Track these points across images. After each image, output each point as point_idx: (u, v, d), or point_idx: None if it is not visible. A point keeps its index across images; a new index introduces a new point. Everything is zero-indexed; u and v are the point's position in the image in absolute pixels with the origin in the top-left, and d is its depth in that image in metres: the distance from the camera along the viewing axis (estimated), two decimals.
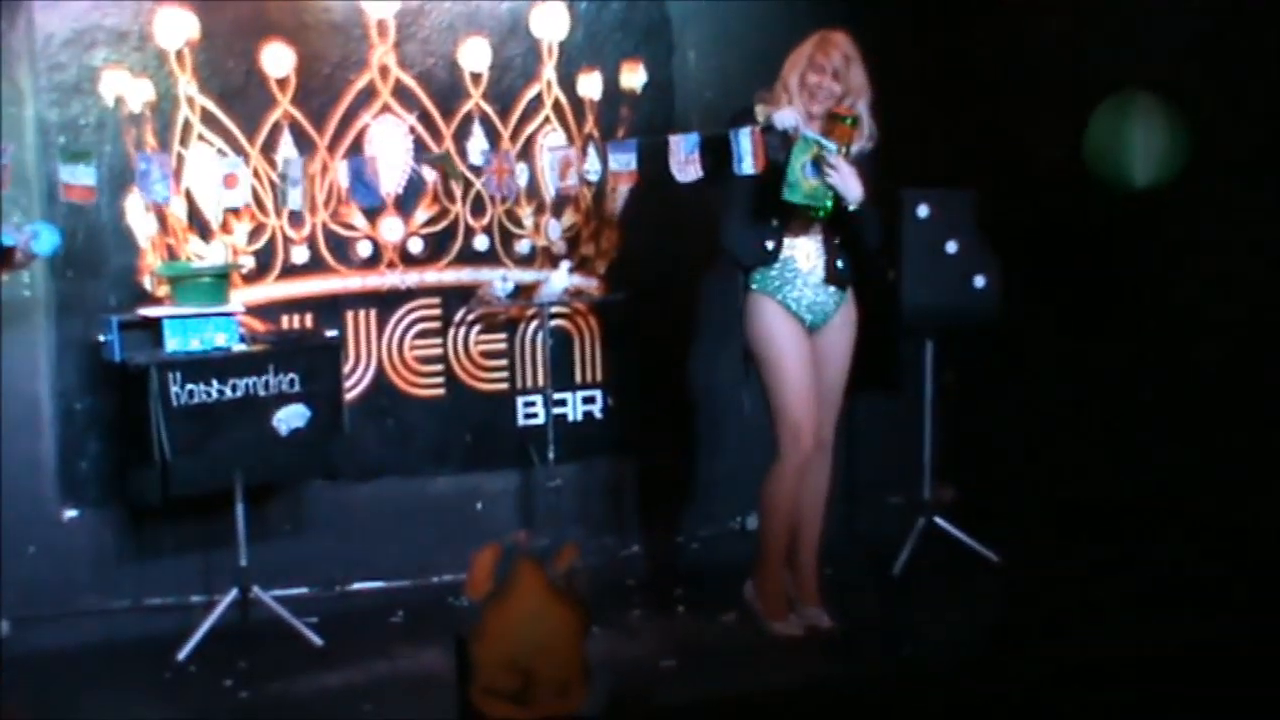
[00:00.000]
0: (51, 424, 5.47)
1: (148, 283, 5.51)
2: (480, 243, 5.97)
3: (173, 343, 5.20)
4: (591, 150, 5.64)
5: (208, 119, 5.54)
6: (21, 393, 5.38)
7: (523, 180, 5.85)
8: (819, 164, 5.01)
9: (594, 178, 5.91)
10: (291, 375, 5.26)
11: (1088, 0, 6.16)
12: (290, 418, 5.27)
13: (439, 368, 5.98)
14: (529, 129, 5.98)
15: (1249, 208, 5.66)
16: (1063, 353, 6.35)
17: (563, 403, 6.15)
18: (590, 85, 6.04)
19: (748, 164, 4.99)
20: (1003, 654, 5.08)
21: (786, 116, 5.05)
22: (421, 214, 5.87)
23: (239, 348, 5.30)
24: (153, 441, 5.05)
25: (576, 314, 6.18)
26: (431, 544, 5.91)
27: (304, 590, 5.76)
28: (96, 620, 5.50)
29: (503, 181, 5.52)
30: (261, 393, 5.21)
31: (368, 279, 5.84)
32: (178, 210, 5.51)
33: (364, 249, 5.82)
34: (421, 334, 5.94)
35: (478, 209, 5.93)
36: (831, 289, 5.24)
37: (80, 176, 4.78)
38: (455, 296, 5.96)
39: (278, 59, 5.60)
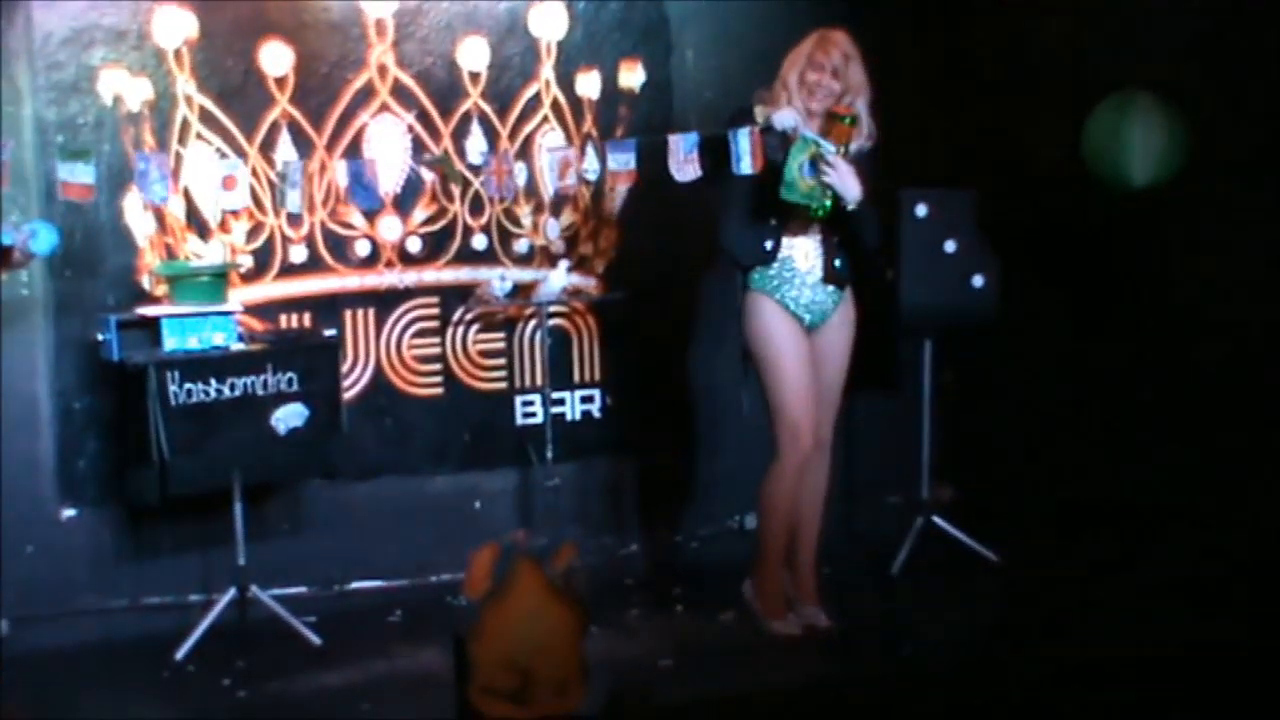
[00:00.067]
0: (50, 423, 5.47)
1: (146, 282, 5.51)
2: (478, 242, 5.96)
3: (171, 342, 5.20)
4: (590, 149, 5.66)
5: (206, 118, 5.54)
6: (20, 392, 5.38)
7: (521, 179, 5.86)
8: (817, 163, 5.01)
9: (592, 177, 5.93)
10: (290, 374, 5.26)
11: (1088, 0, 6.15)
12: (288, 417, 5.27)
13: (437, 367, 5.98)
14: (527, 128, 5.98)
15: (1249, 208, 5.66)
16: (1062, 352, 6.35)
17: (561, 402, 6.15)
18: (589, 85, 6.04)
19: (746, 164, 4.99)
20: (1002, 653, 5.08)
21: (785, 117, 5.05)
22: (420, 213, 5.87)
23: (237, 347, 5.30)
24: (151, 441, 5.05)
25: (575, 313, 6.18)
26: (430, 543, 5.91)
27: (302, 589, 5.76)
28: (95, 619, 5.50)
29: (502, 183, 5.52)
30: (260, 392, 5.21)
31: (366, 278, 5.84)
32: (176, 209, 5.51)
33: (362, 248, 5.82)
34: (420, 333, 5.94)
35: (476, 208, 5.93)
36: (830, 288, 5.24)
37: (79, 175, 4.77)
38: (454, 296, 5.96)
39: (276, 58, 5.60)
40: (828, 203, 5.05)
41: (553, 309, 6.01)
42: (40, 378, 5.44)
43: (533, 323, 6.05)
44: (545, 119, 6.01)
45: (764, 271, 5.19)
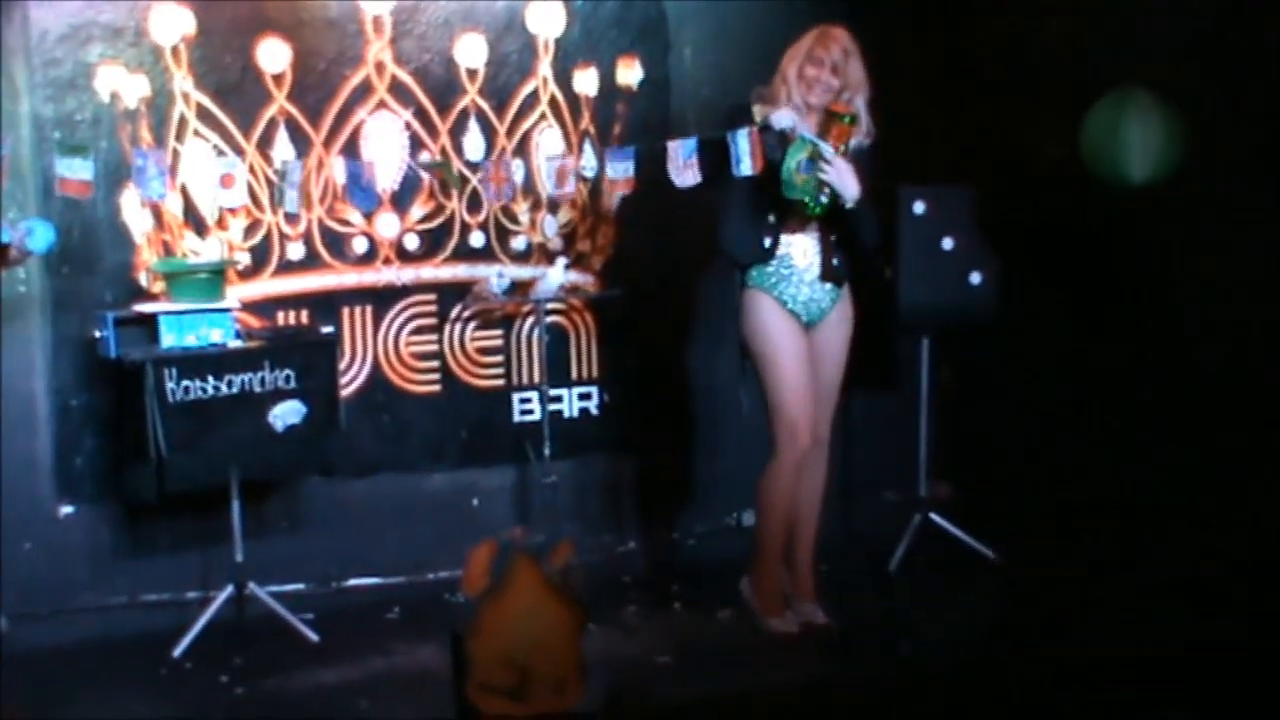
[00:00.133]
0: (47, 421, 5.46)
1: (143, 279, 5.51)
2: (476, 239, 5.96)
3: (168, 339, 5.20)
4: (587, 146, 5.64)
5: (203, 115, 5.53)
6: (17, 389, 5.37)
7: (519, 176, 5.86)
8: (815, 161, 5.01)
9: (590, 174, 5.94)
10: (287, 371, 5.25)
11: (1088, 0, 6.15)
12: (286, 414, 5.27)
13: (435, 364, 5.98)
14: (525, 125, 5.97)
15: (1249, 208, 5.66)
16: (1061, 351, 6.35)
17: (559, 399, 6.15)
18: (586, 82, 6.03)
19: (746, 165, 4.99)
20: (1000, 652, 5.08)
21: (783, 117, 5.05)
22: (417, 210, 5.87)
23: (235, 344, 5.30)
24: (148, 438, 5.05)
25: (572, 310, 6.17)
26: (427, 540, 5.91)
27: (300, 586, 5.76)
28: (93, 617, 5.50)
29: (499, 189, 5.54)
30: (257, 389, 5.21)
31: (364, 275, 5.84)
32: (173, 206, 5.51)
33: (360, 245, 5.81)
34: (417, 330, 5.94)
35: (474, 205, 5.92)
36: (827, 286, 5.24)
37: (77, 171, 4.77)
38: (451, 293, 5.96)
39: (273, 55, 5.59)
40: (825, 200, 5.04)
41: (550, 306, 6.00)
42: (38, 375, 5.44)
43: (530, 320, 6.04)
44: (543, 116, 6.00)
45: (762, 269, 5.19)
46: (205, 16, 5.47)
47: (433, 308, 5.95)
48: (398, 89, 5.78)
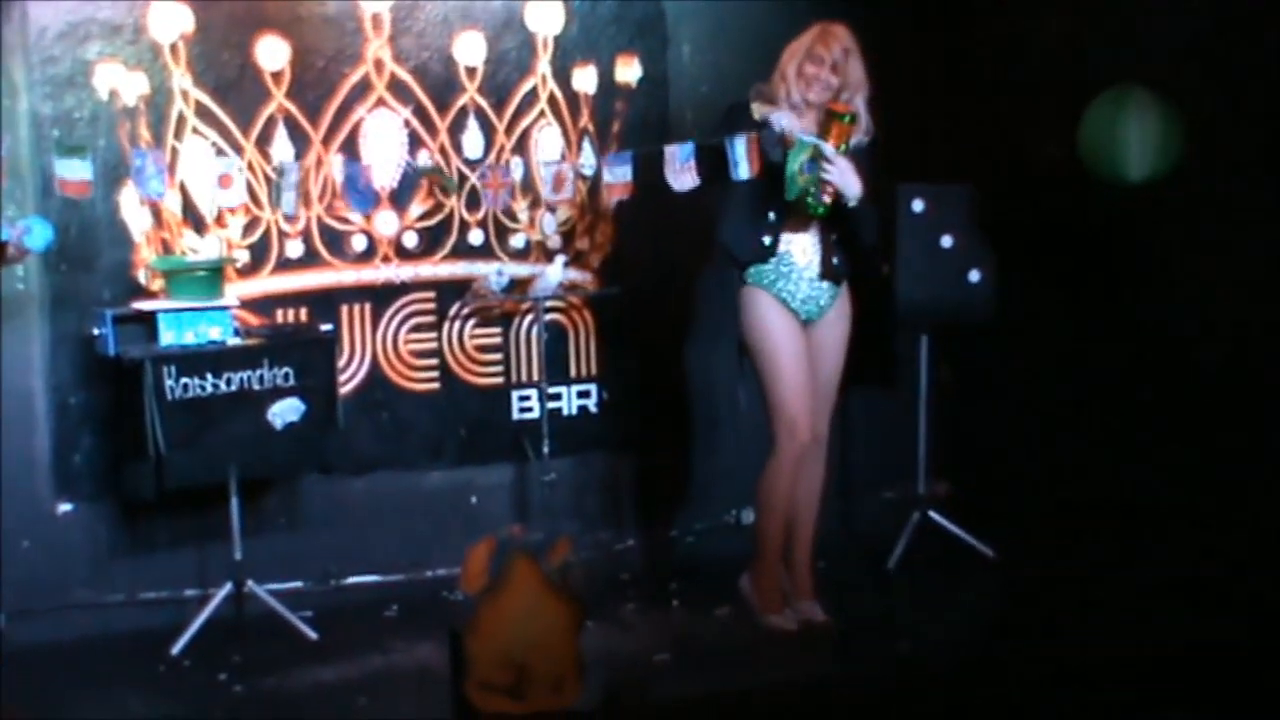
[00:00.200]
0: (45, 418, 5.45)
1: (142, 276, 5.50)
2: (475, 237, 5.95)
3: (167, 336, 5.20)
4: (586, 144, 5.64)
5: (202, 113, 5.52)
6: (15, 387, 5.37)
7: (518, 175, 5.87)
8: (817, 161, 5.01)
9: (589, 171, 5.95)
10: (286, 369, 5.26)
11: (1088, 0, 6.15)
12: (285, 412, 5.27)
13: (434, 362, 5.97)
14: (524, 123, 5.97)
15: (1249, 208, 5.66)
16: (1061, 351, 6.34)
17: (558, 397, 6.15)
18: (585, 79, 6.03)
19: (744, 169, 5.00)
20: (999, 650, 5.08)
21: (782, 117, 5.06)
22: (416, 208, 5.86)
23: (233, 342, 5.30)
24: (147, 435, 5.05)
25: (571, 308, 6.17)
26: (426, 538, 5.91)
27: (298, 584, 5.75)
28: (91, 614, 5.49)
29: (497, 194, 5.55)
30: (256, 387, 5.21)
31: (362, 273, 5.83)
32: (172, 204, 5.50)
33: (359, 243, 5.81)
34: (416, 328, 5.93)
35: (472, 203, 5.91)
36: (826, 284, 5.24)
37: (76, 171, 4.77)
38: (450, 290, 5.95)
39: (272, 52, 5.59)
40: (828, 200, 5.05)
41: (549, 304, 6.00)
42: (36, 373, 5.43)
43: (529, 317, 6.04)
44: (542, 114, 6.00)
45: (761, 266, 5.19)
46: (204, 14, 5.46)
47: (432, 305, 5.94)
48: (397, 87, 5.77)
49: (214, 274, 5.34)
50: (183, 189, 5.52)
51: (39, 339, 5.41)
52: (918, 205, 5.89)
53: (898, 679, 4.89)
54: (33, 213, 5.14)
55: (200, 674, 5.11)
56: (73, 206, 5.24)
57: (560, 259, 5.98)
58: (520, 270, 6.00)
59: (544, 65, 5.97)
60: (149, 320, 5.23)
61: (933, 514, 6.15)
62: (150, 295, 5.44)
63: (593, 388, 6.24)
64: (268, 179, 5.58)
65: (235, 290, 5.54)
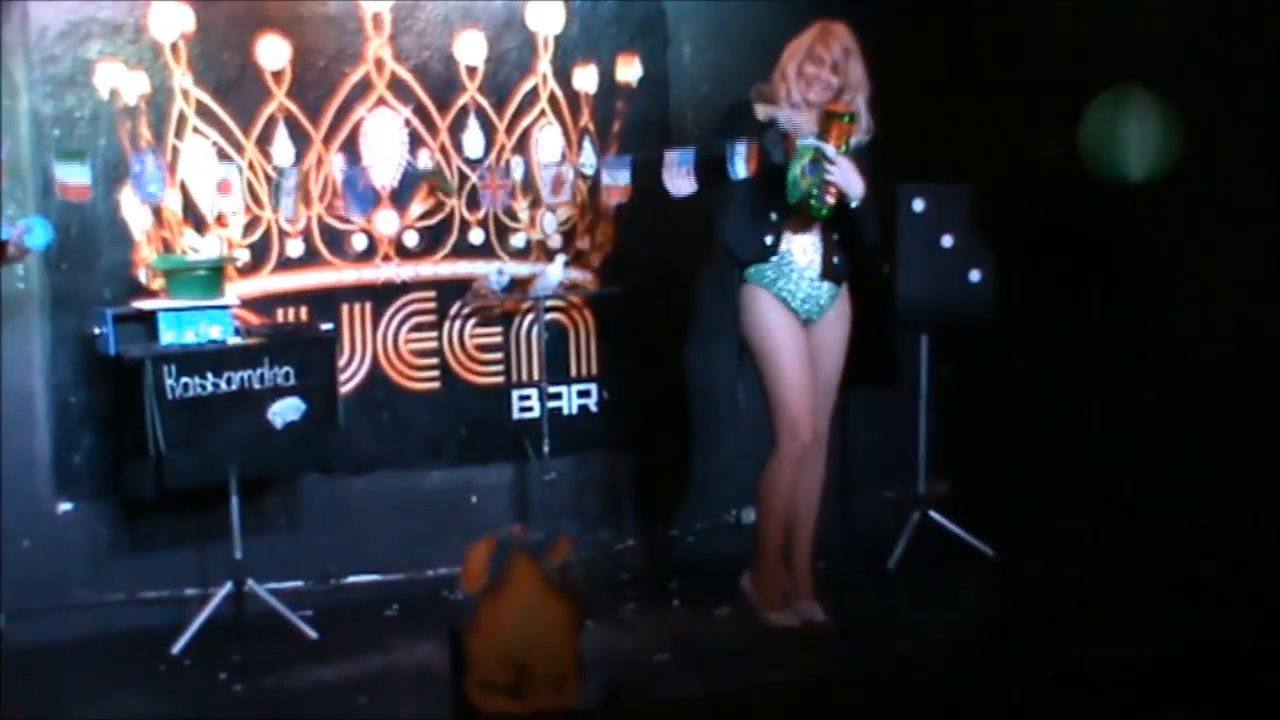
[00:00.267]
0: (46, 418, 5.45)
1: (143, 276, 5.50)
2: (475, 236, 5.95)
3: (168, 336, 5.20)
4: (587, 143, 5.64)
5: (203, 112, 5.52)
6: (16, 387, 5.36)
7: (518, 174, 5.87)
8: (819, 162, 5.01)
9: (589, 171, 5.95)
10: (286, 368, 5.26)
11: (1087, 0, 6.15)
12: (285, 411, 5.27)
13: (434, 361, 5.97)
14: (525, 122, 5.97)
15: (1249, 208, 5.66)
16: (1061, 350, 6.34)
17: (558, 396, 6.15)
18: (586, 79, 6.03)
19: (741, 168, 5.00)
20: (998, 650, 5.08)
21: (790, 118, 5.07)
22: (416, 207, 5.86)
23: (234, 341, 5.30)
24: (147, 435, 5.05)
25: (572, 307, 6.17)
26: (426, 538, 5.91)
27: (299, 583, 5.76)
28: (91, 614, 5.49)
29: (496, 197, 5.55)
30: (256, 386, 5.22)
31: (363, 272, 5.83)
32: (172, 204, 5.50)
33: (359, 242, 5.81)
34: (417, 327, 5.93)
35: (473, 203, 5.91)
36: (826, 284, 5.24)
37: (75, 175, 4.76)
38: (450, 290, 5.95)
39: (273, 52, 5.59)
40: (831, 201, 5.05)
41: (549, 303, 6.00)
42: (36, 372, 5.43)
43: (530, 317, 6.04)
44: (542, 113, 6.00)
45: (761, 265, 5.19)
46: (204, 13, 5.46)
47: (432, 305, 5.94)
48: (397, 86, 5.77)
49: (214, 273, 5.34)
50: (183, 188, 5.52)
51: (39, 338, 5.41)
52: (918, 205, 5.89)
53: (898, 679, 4.89)
54: (33, 212, 5.14)
55: (200, 673, 5.11)
56: (73, 206, 5.22)
57: (561, 258, 5.99)
58: (521, 270, 6.00)
59: (545, 65, 5.97)
60: (149, 319, 5.23)
61: (933, 514, 6.15)
62: (151, 294, 5.44)
63: (593, 387, 6.24)
64: (268, 178, 5.58)
65: (236, 289, 5.54)
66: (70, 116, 5.35)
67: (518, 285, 5.97)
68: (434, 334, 5.96)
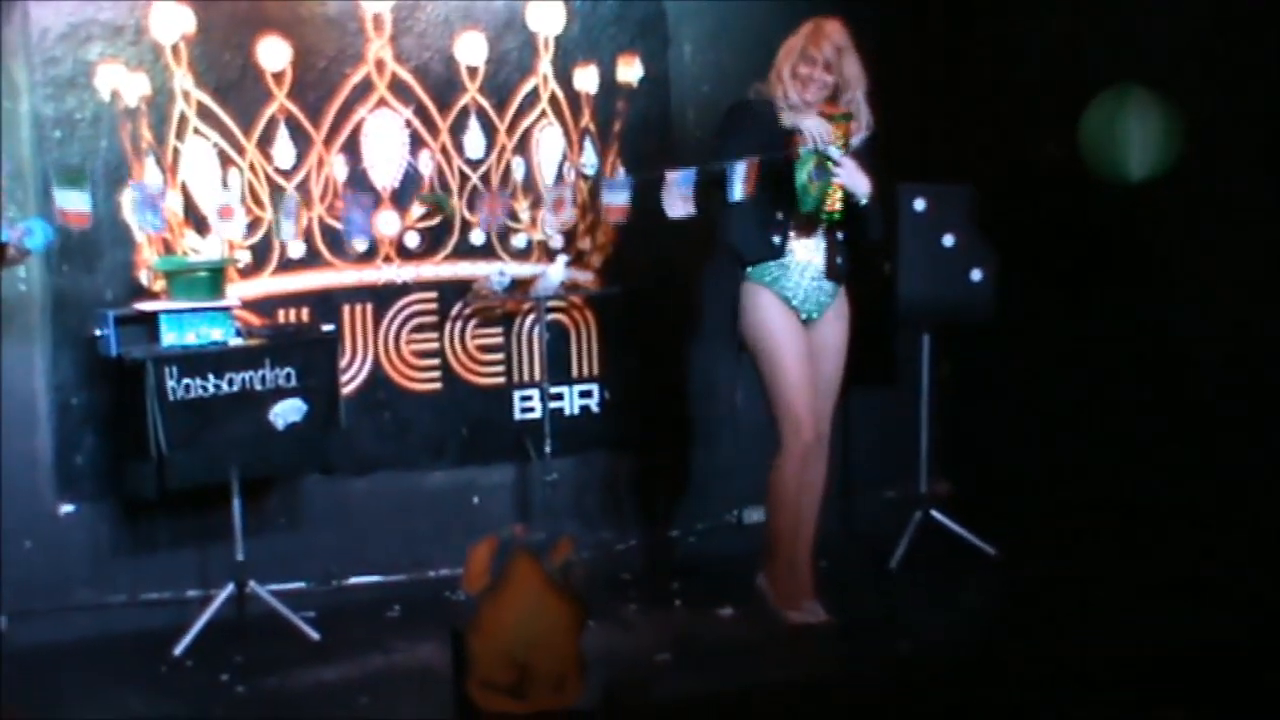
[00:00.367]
0: (47, 419, 5.46)
1: (144, 277, 5.51)
2: (476, 237, 5.96)
3: (169, 337, 5.20)
4: (588, 144, 5.64)
5: (204, 113, 5.53)
6: (17, 388, 5.37)
7: (519, 175, 5.87)
8: (824, 168, 5.01)
9: (590, 171, 5.95)
10: (288, 370, 5.26)
11: (1087, 0, 6.15)
12: (287, 412, 5.27)
13: (435, 362, 5.98)
14: (525, 123, 5.97)
15: (1249, 208, 5.66)
16: (1061, 350, 6.35)
17: (559, 397, 6.15)
18: (586, 79, 6.03)
19: (738, 190, 4.99)
20: (1000, 650, 5.08)
21: (813, 125, 5.02)
22: (418, 208, 5.86)
23: (235, 342, 5.30)
24: (149, 436, 5.05)
25: (573, 308, 6.18)
26: (428, 538, 5.92)
27: (300, 584, 5.76)
28: (93, 615, 5.49)
29: (494, 219, 5.56)
30: (258, 387, 5.22)
31: (364, 273, 5.83)
32: (174, 205, 5.50)
33: (360, 243, 5.80)
34: (418, 328, 5.94)
35: (474, 203, 5.91)
36: (828, 283, 5.25)
37: (75, 202, 4.75)
38: (451, 291, 5.96)
39: (273, 53, 5.59)
40: (840, 205, 5.06)
41: (551, 304, 6.00)
42: (38, 373, 5.43)
43: (531, 317, 6.04)
44: (543, 114, 6.01)
45: (765, 264, 5.19)
46: (205, 14, 5.47)
47: (433, 305, 5.95)
48: (398, 87, 5.78)
49: (216, 274, 5.35)
50: (184, 190, 5.53)
51: (41, 340, 5.41)
52: (919, 205, 5.89)
53: (900, 679, 4.89)
54: (34, 214, 5.13)
55: (202, 674, 5.11)
56: None
57: (562, 259, 5.99)
58: (522, 270, 6.00)
59: (545, 65, 5.97)
60: (151, 321, 5.23)
61: (935, 513, 6.15)
62: (152, 296, 5.45)
63: (594, 387, 6.24)
64: (269, 180, 5.59)
65: (237, 291, 5.55)
66: (71, 118, 5.35)
67: (519, 286, 5.97)
68: (435, 335, 5.96)
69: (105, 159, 5.35)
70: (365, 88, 5.73)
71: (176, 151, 5.50)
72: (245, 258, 5.65)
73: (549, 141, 6.01)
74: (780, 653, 5.19)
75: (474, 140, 5.89)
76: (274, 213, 5.45)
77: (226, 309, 5.32)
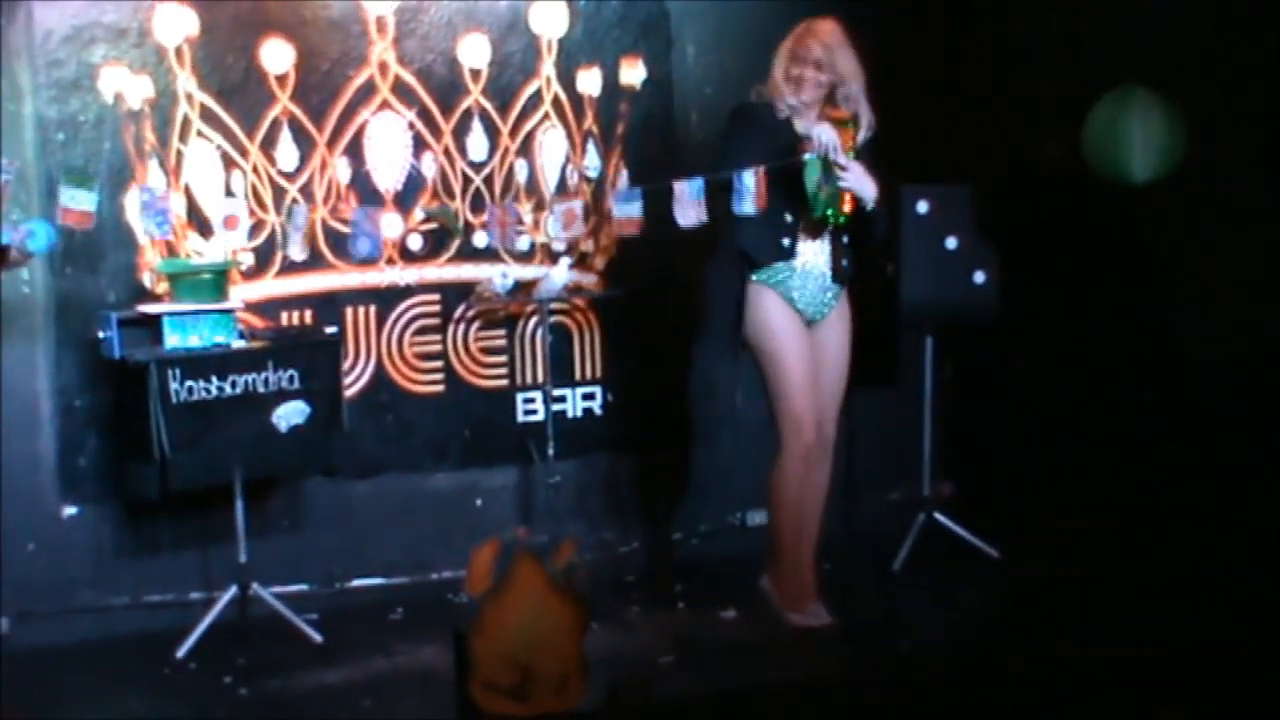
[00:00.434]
0: (51, 421, 5.47)
1: (147, 279, 5.51)
2: (480, 239, 5.96)
3: (172, 339, 5.20)
4: (591, 146, 5.63)
5: (207, 115, 5.54)
6: (21, 390, 5.38)
7: (522, 178, 5.88)
8: (831, 173, 5.01)
9: (593, 174, 5.95)
10: (291, 372, 5.27)
11: (1087, 0, 6.15)
12: (290, 414, 5.28)
13: (438, 364, 5.98)
14: (528, 125, 5.98)
15: (1249, 208, 5.66)
16: (1062, 350, 6.35)
17: (562, 399, 6.15)
18: (589, 81, 6.04)
19: (748, 204, 4.99)
20: (1003, 651, 5.08)
21: (823, 132, 5.03)
22: (421, 210, 5.87)
23: (238, 344, 5.31)
24: (152, 438, 5.05)
25: (576, 310, 6.18)
26: (431, 540, 5.92)
27: (303, 587, 5.76)
28: (95, 617, 5.50)
29: (505, 234, 5.57)
30: (261, 389, 5.22)
31: (367, 275, 5.84)
32: (177, 207, 5.51)
33: (369, 255, 5.80)
34: (421, 330, 5.94)
35: (477, 205, 5.92)
36: (833, 285, 5.25)
37: (80, 202, 4.77)
38: (455, 293, 5.96)
39: (277, 55, 5.60)
40: (848, 208, 5.07)
41: (554, 306, 6.01)
42: (41, 375, 5.44)
43: (534, 320, 6.05)
44: (546, 116, 6.01)
45: (772, 266, 5.19)
46: (208, 17, 5.48)
47: (436, 308, 5.95)
48: (401, 89, 5.79)
49: (219, 277, 5.35)
50: (187, 192, 5.54)
51: (44, 342, 5.43)
52: (922, 207, 5.89)
53: (903, 680, 4.89)
54: (37, 216, 5.14)
55: (205, 677, 5.12)
56: None
57: (565, 261, 6.00)
58: (525, 272, 6.01)
59: (548, 67, 5.98)
60: (154, 323, 5.24)
61: (938, 515, 6.14)
62: (155, 298, 5.45)
63: (597, 390, 6.24)
64: (272, 182, 5.60)
65: (240, 293, 5.55)
66: (74, 121, 5.36)
67: (522, 288, 5.97)
68: (438, 337, 5.97)
69: (108, 161, 5.36)
70: (368, 90, 5.74)
71: (180, 154, 5.51)
72: (248, 260, 5.66)
73: (552, 144, 6.02)
74: (783, 654, 5.19)
75: (477, 142, 5.90)
76: (283, 226, 5.45)
77: (229, 311, 5.32)
